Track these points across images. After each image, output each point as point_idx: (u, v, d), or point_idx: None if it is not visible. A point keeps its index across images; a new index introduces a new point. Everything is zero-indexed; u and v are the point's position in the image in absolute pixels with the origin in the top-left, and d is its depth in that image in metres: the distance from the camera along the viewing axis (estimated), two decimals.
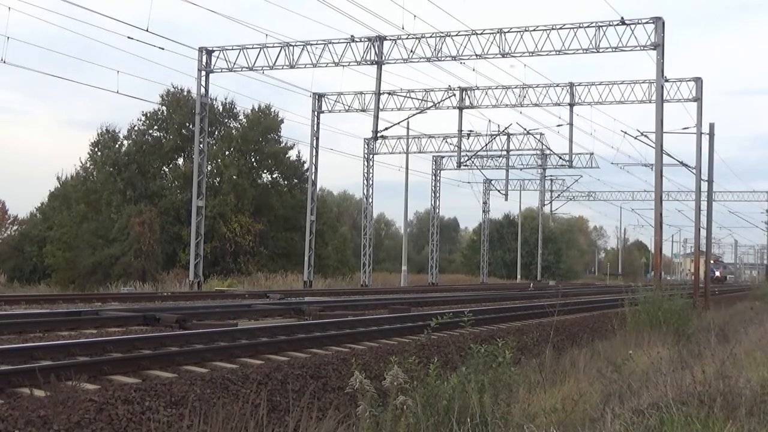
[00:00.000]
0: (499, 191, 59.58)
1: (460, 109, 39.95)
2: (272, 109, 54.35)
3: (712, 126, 35.44)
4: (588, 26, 29.09)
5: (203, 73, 33.18)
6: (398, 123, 37.88)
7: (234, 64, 33.02)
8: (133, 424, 6.56)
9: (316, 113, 40.34)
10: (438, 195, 56.01)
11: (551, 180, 65.70)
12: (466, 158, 46.33)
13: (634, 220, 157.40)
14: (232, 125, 54.86)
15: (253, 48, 32.77)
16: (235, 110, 54.36)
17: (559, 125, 38.86)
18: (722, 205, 69.98)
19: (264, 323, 14.70)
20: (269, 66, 32.74)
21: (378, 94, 32.56)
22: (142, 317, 13.67)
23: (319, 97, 40.44)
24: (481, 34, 30.51)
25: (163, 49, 27.34)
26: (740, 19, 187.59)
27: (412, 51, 30.93)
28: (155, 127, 52.70)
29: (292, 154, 55.56)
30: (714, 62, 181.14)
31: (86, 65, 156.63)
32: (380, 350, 11.04)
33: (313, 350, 10.91)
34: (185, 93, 50.75)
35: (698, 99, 34.26)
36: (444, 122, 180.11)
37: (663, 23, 27.97)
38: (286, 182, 55.73)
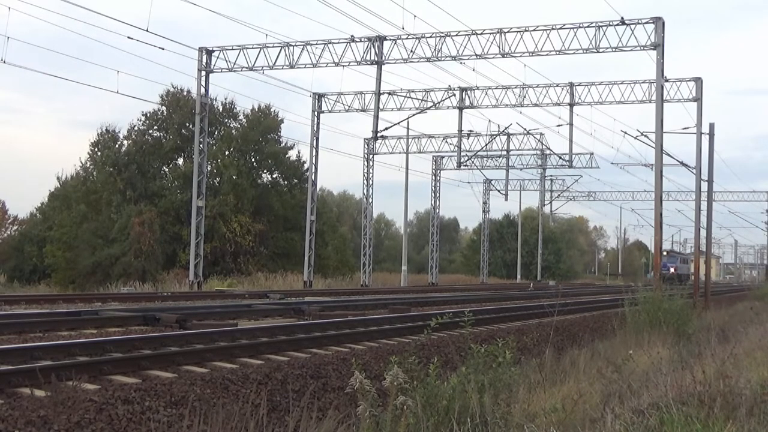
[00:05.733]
0: (499, 191, 59.64)
1: (460, 109, 39.95)
2: (272, 109, 54.39)
3: (712, 126, 35.47)
4: (588, 26, 29.09)
5: (203, 73, 33.18)
6: (398, 123, 37.92)
7: (234, 64, 33.02)
8: (133, 424, 6.56)
9: (316, 113, 40.35)
10: (438, 195, 56.10)
11: (551, 180, 65.79)
12: (466, 158, 46.33)
13: (634, 220, 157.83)
14: (232, 125, 54.85)
15: (253, 48, 32.77)
16: (235, 110, 54.39)
17: (559, 125, 38.90)
18: (722, 205, 70.14)
19: (264, 323, 14.70)
20: (269, 66, 32.74)
21: (378, 94, 32.56)
22: (142, 317, 13.67)
23: (319, 97, 40.44)
24: (481, 34, 30.51)
25: (163, 49, 27.39)
26: (742, 18, 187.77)
27: (412, 51, 30.94)
28: (155, 127, 52.69)
29: (292, 154, 55.62)
30: (715, 62, 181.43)
31: (87, 65, 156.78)
32: (380, 350, 11.04)
33: (313, 350, 10.91)
34: (185, 93, 50.79)
35: (698, 99, 34.27)
36: (444, 122, 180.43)
37: (663, 23, 27.97)
38: (286, 182, 55.71)
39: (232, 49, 33.13)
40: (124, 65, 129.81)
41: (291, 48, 32.49)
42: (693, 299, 23.80)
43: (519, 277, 66.94)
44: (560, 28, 29.47)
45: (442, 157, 53.89)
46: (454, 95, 39.44)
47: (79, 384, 7.12)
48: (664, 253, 69.67)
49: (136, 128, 52.42)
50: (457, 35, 30.74)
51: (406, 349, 6.91)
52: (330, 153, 79.18)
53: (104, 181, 49.67)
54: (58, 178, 57.28)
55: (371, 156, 47.61)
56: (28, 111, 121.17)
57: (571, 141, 38.52)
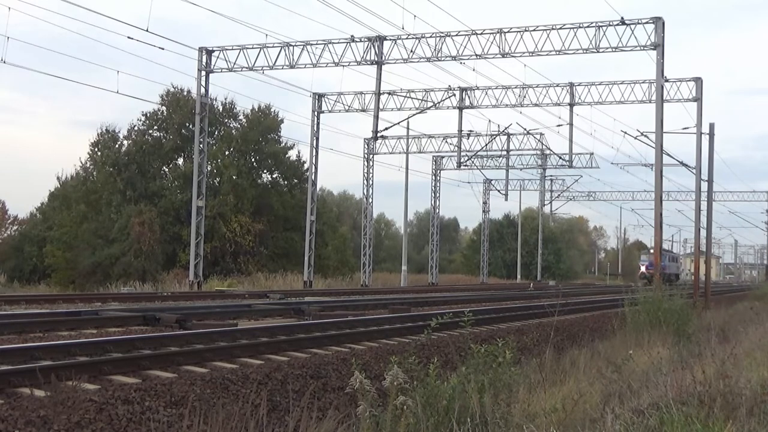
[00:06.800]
0: (499, 191, 59.66)
1: (460, 109, 39.95)
2: (272, 109, 54.43)
3: (712, 126, 35.48)
4: (588, 26, 29.09)
5: (203, 73, 33.17)
6: (398, 123, 37.91)
7: (234, 64, 33.02)
8: (133, 424, 6.56)
9: (316, 113, 40.35)
10: (438, 195, 56.11)
11: (551, 180, 65.78)
12: (466, 158, 46.33)
13: (634, 220, 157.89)
14: (232, 125, 54.89)
15: (253, 48, 32.77)
16: (235, 110, 54.44)
17: (559, 125, 38.90)
18: (722, 205, 70.11)
19: (264, 323, 14.70)
20: (269, 66, 32.73)
21: (378, 94, 32.55)
22: (142, 317, 13.67)
23: (319, 97, 40.44)
24: (481, 34, 30.51)
25: (163, 49, 27.37)
26: (742, 18, 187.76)
27: (412, 51, 30.94)
28: (155, 127, 52.73)
29: (292, 154, 55.68)
30: (716, 62, 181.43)
31: (87, 65, 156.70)
32: (380, 350, 11.03)
33: (313, 350, 10.91)
34: (185, 93, 50.84)
35: (698, 99, 34.28)
36: (444, 122, 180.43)
37: (663, 23, 27.99)
38: (286, 182, 55.74)
39: (232, 49, 33.14)
40: (124, 65, 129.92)
41: (291, 48, 32.49)
42: (693, 299, 23.79)
43: (519, 277, 66.93)
44: (560, 28, 29.48)
45: (442, 157, 53.89)
46: (454, 95, 39.44)
47: (79, 384, 7.12)
48: (652, 251, 67.44)
49: (136, 128, 52.53)
50: (457, 35, 30.74)
51: (406, 349, 6.92)
52: (330, 153, 79.08)
53: (104, 181, 49.70)
54: (58, 178, 57.43)
55: (371, 156, 47.62)
56: (28, 111, 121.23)
57: (571, 141, 38.57)
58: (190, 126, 44.63)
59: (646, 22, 28.18)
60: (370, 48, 31.23)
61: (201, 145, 34.05)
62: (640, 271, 66.57)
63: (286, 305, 19.01)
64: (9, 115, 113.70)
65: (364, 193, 48.17)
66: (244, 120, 54.38)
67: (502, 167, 53.83)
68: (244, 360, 9.68)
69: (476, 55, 30.70)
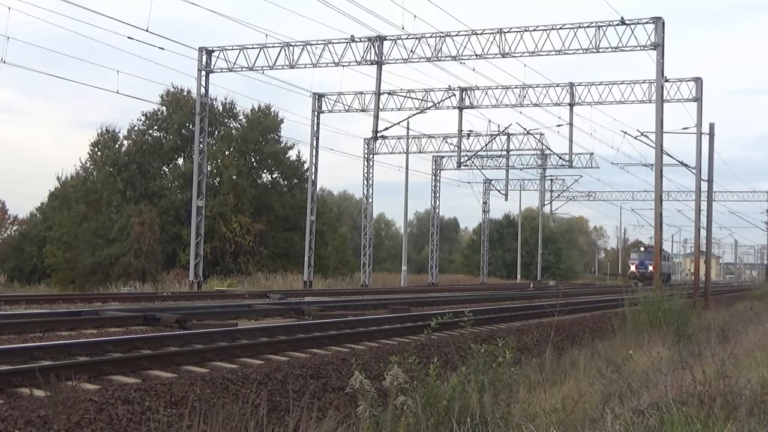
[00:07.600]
0: (499, 191, 59.67)
1: (460, 109, 39.94)
2: (272, 109, 54.41)
3: (712, 126, 35.48)
4: (588, 26, 29.09)
5: (203, 73, 33.16)
6: (398, 123, 37.89)
7: (234, 64, 33.01)
8: (133, 424, 6.56)
9: (316, 113, 40.34)
10: (438, 195, 56.10)
11: (551, 180, 65.79)
12: (466, 158, 46.33)
13: (634, 220, 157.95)
14: (232, 125, 54.86)
15: (253, 48, 32.76)
16: (235, 110, 54.41)
17: (559, 125, 38.89)
18: (722, 205, 70.04)
19: (264, 323, 14.70)
20: (269, 66, 32.73)
21: (378, 94, 32.54)
22: (142, 317, 13.67)
23: (319, 97, 40.43)
24: (481, 34, 30.51)
25: (163, 49, 27.36)
26: (742, 18, 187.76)
27: (412, 51, 30.93)
28: (155, 127, 52.71)
29: (292, 154, 55.66)
30: (716, 62, 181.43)
31: (87, 65, 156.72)
32: (380, 350, 11.03)
33: (313, 350, 10.91)
34: (185, 93, 50.82)
35: (698, 99, 34.28)
36: (444, 122, 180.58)
37: (663, 23, 27.98)
38: (286, 182, 55.73)
39: (232, 49, 33.13)
40: (124, 65, 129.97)
41: (291, 48, 32.48)
42: (693, 299, 23.79)
43: (519, 277, 66.92)
44: (560, 28, 29.47)
45: (442, 157, 53.90)
46: (454, 95, 39.43)
47: (79, 384, 7.12)
48: (642, 249, 64.43)
49: (136, 128, 52.50)
50: (457, 35, 30.74)
51: (406, 349, 6.91)
52: (330, 153, 79.06)
53: (104, 181, 49.69)
54: (58, 178, 57.46)
55: (371, 156, 47.61)
56: (28, 111, 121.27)
57: (571, 141, 38.57)
58: (190, 126, 44.62)
59: (646, 22, 28.17)
60: (370, 48, 31.23)
61: (201, 145, 34.04)
62: (630, 271, 64.84)
63: (286, 305, 19.01)
64: (9, 115, 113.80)
65: (364, 193, 48.20)
66: (244, 120, 54.37)
67: (502, 167, 53.86)
68: (244, 360, 9.68)
69: (476, 55, 30.69)
